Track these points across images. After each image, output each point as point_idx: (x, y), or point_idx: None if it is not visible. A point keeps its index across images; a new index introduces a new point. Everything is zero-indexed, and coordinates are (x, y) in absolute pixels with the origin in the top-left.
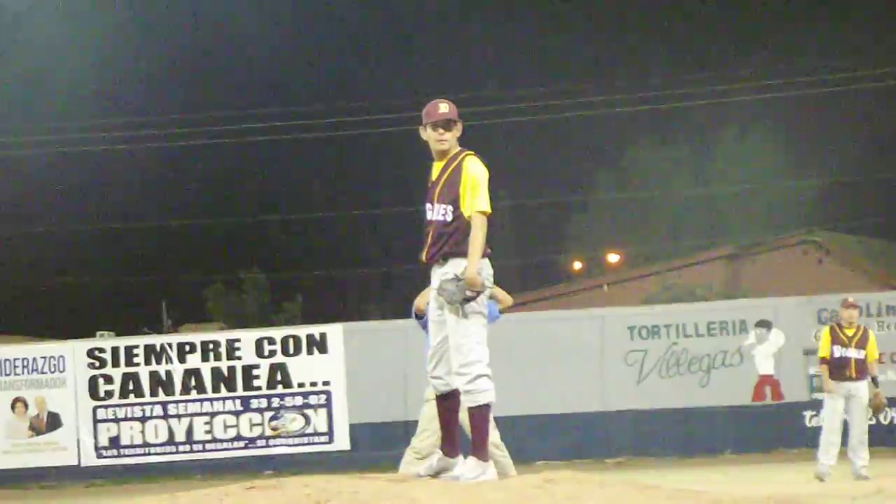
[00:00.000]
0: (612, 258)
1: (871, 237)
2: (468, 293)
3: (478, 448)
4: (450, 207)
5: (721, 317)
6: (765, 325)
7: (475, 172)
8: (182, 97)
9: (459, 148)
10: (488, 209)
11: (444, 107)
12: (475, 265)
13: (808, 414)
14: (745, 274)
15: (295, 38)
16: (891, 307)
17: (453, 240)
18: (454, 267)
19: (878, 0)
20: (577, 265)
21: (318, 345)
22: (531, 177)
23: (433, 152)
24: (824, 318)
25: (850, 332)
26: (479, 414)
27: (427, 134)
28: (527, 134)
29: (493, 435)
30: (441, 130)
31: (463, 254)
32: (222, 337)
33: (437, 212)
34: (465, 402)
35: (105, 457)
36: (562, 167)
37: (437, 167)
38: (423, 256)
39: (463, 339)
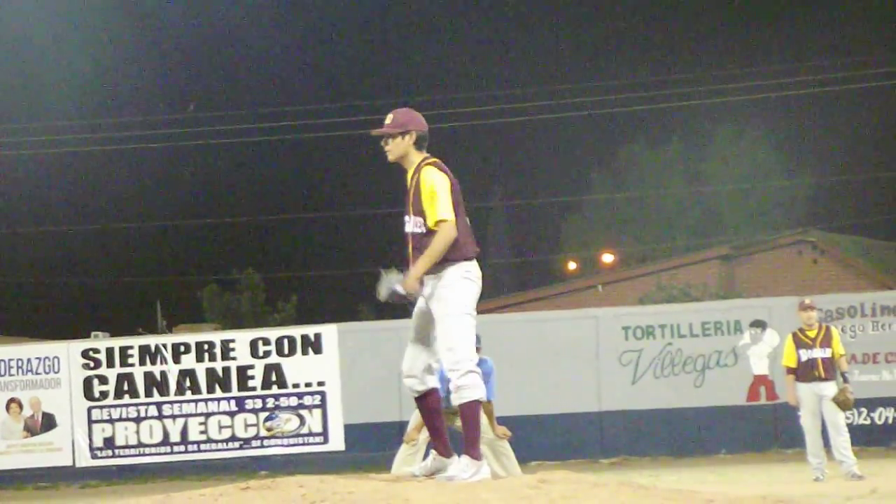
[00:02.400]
0: (607, 258)
1: (867, 237)
2: (397, 289)
3: (470, 446)
4: (420, 220)
5: (716, 317)
6: (759, 325)
7: (431, 182)
8: (177, 97)
9: (424, 156)
10: (448, 216)
11: (388, 118)
12: (420, 271)
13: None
14: (739, 274)
15: (289, 38)
16: (886, 307)
17: None
18: (447, 274)
19: None
20: (572, 265)
21: (313, 345)
22: (525, 177)
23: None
24: (819, 319)
25: (812, 334)
26: (469, 410)
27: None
28: (521, 134)
29: (499, 430)
30: (382, 142)
31: (448, 260)
32: (217, 337)
33: (412, 224)
34: (454, 400)
35: (100, 457)
36: (556, 167)
37: (406, 177)
38: (412, 265)
39: (449, 338)
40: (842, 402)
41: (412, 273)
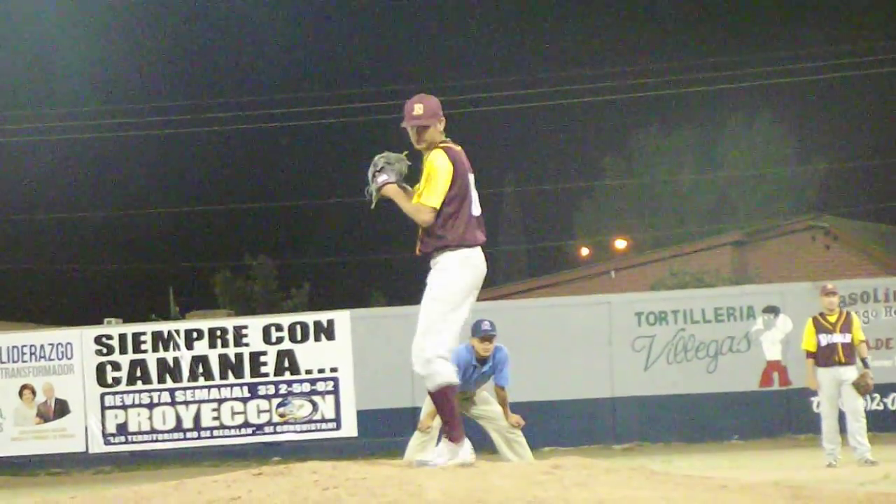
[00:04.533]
0: (620, 244)
1: (879, 222)
2: (374, 183)
3: (446, 431)
4: None
5: (728, 303)
6: (772, 310)
7: (434, 166)
8: (190, 84)
9: (440, 140)
10: (434, 204)
11: (418, 108)
12: (397, 199)
13: (815, 400)
14: (752, 260)
15: (300, 25)
16: None
17: (438, 232)
18: (445, 258)
19: None
20: (585, 251)
21: (326, 331)
22: (538, 163)
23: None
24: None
25: (832, 319)
26: (436, 395)
27: (409, 131)
28: (533, 120)
29: (513, 418)
30: (415, 131)
31: (448, 246)
32: (230, 324)
33: None
34: (426, 386)
35: (113, 443)
36: (568, 153)
37: (423, 160)
38: (417, 251)
39: (423, 322)
40: (862, 387)
41: (393, 193)
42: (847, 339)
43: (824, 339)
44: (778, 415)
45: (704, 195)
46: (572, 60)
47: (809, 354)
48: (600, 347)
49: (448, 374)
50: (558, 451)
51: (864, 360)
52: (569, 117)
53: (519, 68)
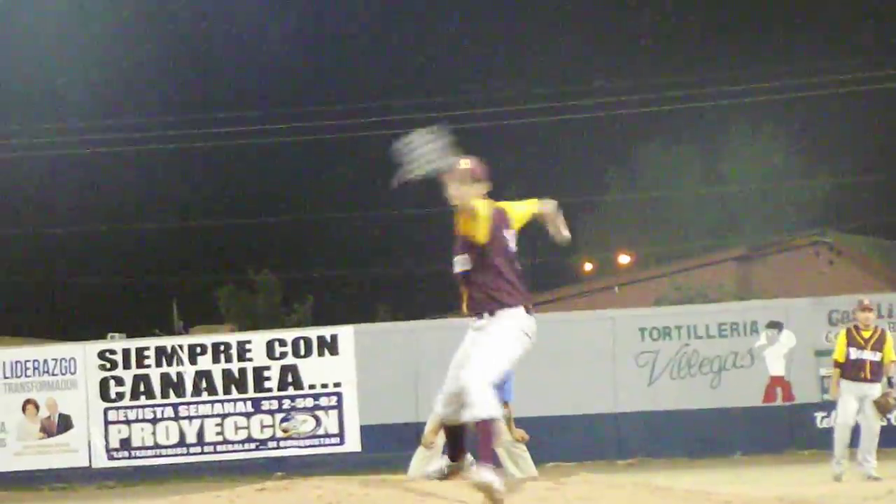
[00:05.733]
0: (623, 259)
1: (883, 238)
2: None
3: (479, 459)
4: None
5: (732, 318)
6: (776, 326)
7: (470, 209)
8: (193, 97)
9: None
10: (482, 226)
11: (466, 162)
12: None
13: (819, 415)
14: (756, 275)
15: (306, 38)
16: None
17: (493, 294)
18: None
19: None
20: (588, 266)
21: (329, 346)
22: (541, 178)
23: None
24: (835, 320)
25: (866, 334)
26: (477, 428)
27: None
28: (536, 134)
29: (517, 433)
30: (460, 181)
31: (506, 306)
32: (233, 339)
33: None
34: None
35: (116, 458)
36: (572, 168)
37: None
38: (466, 308)
39: (478, 352)
40: (882, 406)
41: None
42: (877, 356)
43: (854, 353)
44: (781, 430)
45: (708, 210)
46: (576, 74)
47: (837, 364)
48: (604, 363)
49: (485, 407)
50: (562, 466)
51: (889, 380)
52: (572, 131)
53: (522, 82)
